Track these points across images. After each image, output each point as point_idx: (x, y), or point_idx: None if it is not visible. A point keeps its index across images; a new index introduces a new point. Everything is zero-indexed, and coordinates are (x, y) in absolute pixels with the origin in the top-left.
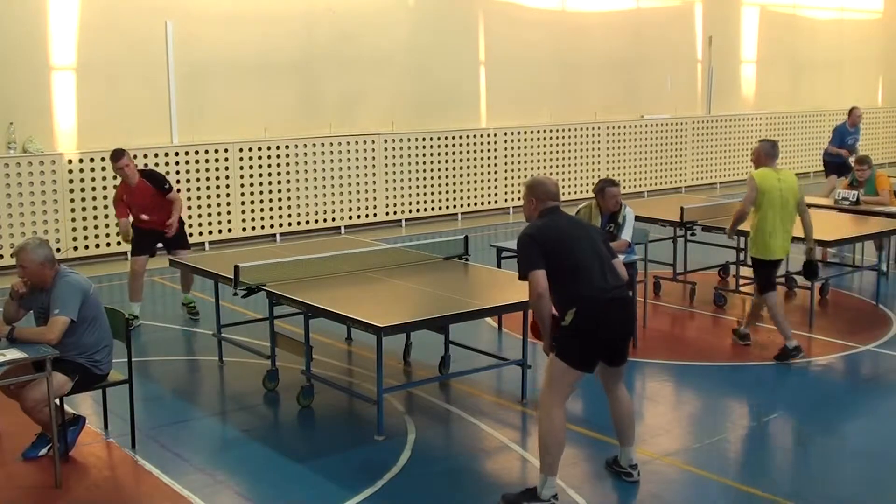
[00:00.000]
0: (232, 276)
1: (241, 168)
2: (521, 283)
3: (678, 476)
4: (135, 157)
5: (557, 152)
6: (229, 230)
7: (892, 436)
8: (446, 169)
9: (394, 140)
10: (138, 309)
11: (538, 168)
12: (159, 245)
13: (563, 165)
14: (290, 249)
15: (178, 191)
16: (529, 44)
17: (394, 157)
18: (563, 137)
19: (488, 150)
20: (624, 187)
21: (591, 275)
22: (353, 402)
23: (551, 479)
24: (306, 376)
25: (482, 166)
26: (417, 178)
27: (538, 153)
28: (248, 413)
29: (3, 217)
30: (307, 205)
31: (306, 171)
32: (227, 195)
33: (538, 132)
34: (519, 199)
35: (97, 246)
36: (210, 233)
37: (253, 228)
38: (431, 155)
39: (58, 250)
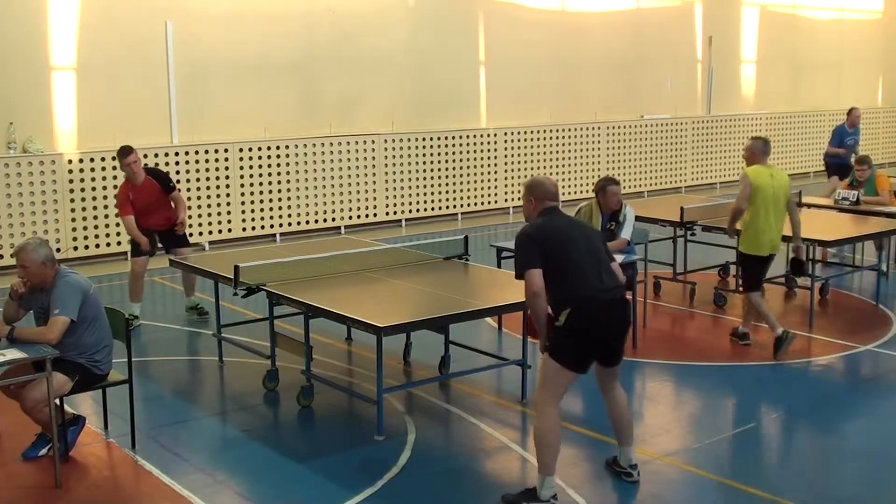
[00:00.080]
0: (232, 276)
1: (241, 168)
2: (521, 283)
3: (678, 476)
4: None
5: (557, 152)
6: (229, 230)
7: (892, 436)
8: (446, 169)
9: (394, 140)
10: (138, 309)
11: (538, 168)
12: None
13: (563, 165)
14: (290, 249)
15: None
16: (529, 44)
17: (394, 157)
18: (563, 137)
19: (488, 150)
20: (624, 187)
21: (588, 275)
22: (353, 402)
23: (549, 479)
24: (306, 376)
25: (482, 166)
26: (417, 178)
27: (538, 153)
28: (248, 413)
29: (3, 217)
30: (307, 205)
31: (306, 171)
32: (227, 195)
33: (538, 132)
34: (519, 199)
35: (97, 246)
36: (210, 233)
37: (253, 228)
38: (431, 155)
39: (58, 250)
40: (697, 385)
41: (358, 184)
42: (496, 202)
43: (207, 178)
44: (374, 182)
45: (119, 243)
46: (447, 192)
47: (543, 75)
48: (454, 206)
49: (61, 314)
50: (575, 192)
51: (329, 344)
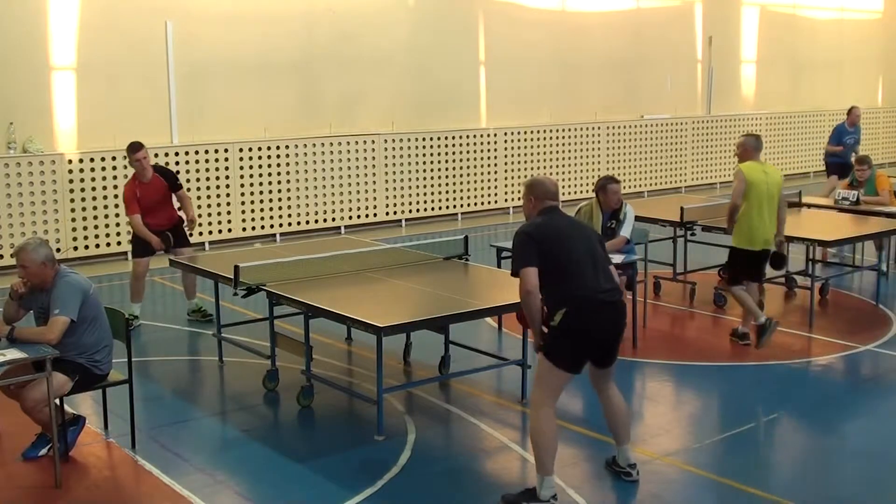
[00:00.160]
0: (232, 276)
1: (241, 168)
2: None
3: (678, 476)
4: None
5: (557, 152)
6: (229, 230)
7: (892, 436)
8: (446, 169)
9: (394, 140)
10: (139, 309)
11: (538, 168)
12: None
13: (563, 165)
14: (290, 249)
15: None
16: (529, 44)
17: (394, 157)
18: (563, 137)
19: (488, 150)
20: (624, 187)
21: (586, 276)
22: (353, 402)
23: (549, 479)
24: (306, 376)
25: (482, 166)
26: (417, 178)
27: (538, 153)
28: (248, 413)
29: (3, 217)
30: (307, 205)
31: (306, 171)
32: (227, 195)
33: (538, 132)
34: (519, 199)
35: (97, 246)
36: (210, 233)
37: (253, 228)
38: (431, 155)
39: (58, 250)
40: (697, 385)
41: (358, 184)
42: (496, 202)
43: (207, 178)
44: (374, 182)
45: (119, 243)
46: (447, 192)
47: (543, 75)
48: (454, 206)
49: (61, 314)
50: (575, 192)
51: (329, 344)
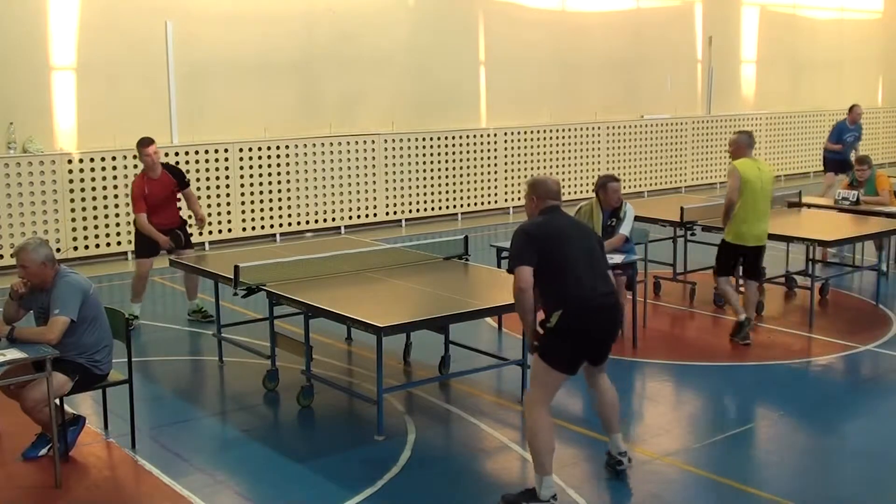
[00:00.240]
0: (232, 276)
1: (241, 168)
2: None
3: (678, 476)
4: (134, 156)
5: (557, 152)
6: (229, 230)
7: (892, 436)
8: (446, 169)
9: (394, 140)
10: (139, 309)
11: (538, 168)
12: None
13: (563, 165)
14: (290, 249)
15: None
16: (529, 44)
17: (394, 157)
18: (563, 137)
19: (488, 150)
20: (624, 187)
21: (583, 277)
22: (353, 402)
23: (548, 479)
24: (306, 376)
25: (482, 166)
26: (417, 178)
27: (538, 153)
28: (248, 413)
29: (3, 217)
30: (307, 205)
31: (306, 171)
32: (227, 195)
33: (538, 132)
34: (519, 199)
35: (97, 246)
36: (210, 233)
37: (253, 228)
38: (431, 155)
39: (58, 250)
40: (697, 385)
41: (358, 184)
42: (496, 202)
43: (207, 178)
44: (374, 182)
45: (119, 243)
46: (447, 192)
47: (543, 75)
48: (454, 206)
49: (61, 314)
50: (575, 192)
51: (329, 344)
